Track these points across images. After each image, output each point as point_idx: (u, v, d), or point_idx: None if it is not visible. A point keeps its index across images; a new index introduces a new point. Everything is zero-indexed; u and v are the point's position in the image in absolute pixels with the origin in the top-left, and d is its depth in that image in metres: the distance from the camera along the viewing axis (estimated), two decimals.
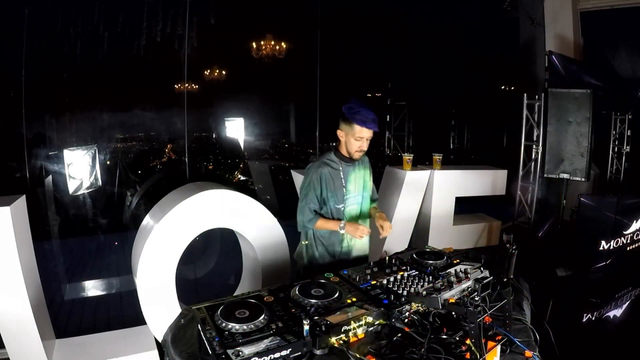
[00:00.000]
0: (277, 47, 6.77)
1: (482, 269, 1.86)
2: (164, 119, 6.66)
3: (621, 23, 5.35)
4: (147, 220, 2.92)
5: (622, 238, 3.74)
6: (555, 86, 4.37)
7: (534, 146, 4.73)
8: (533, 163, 4.73)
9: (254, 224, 2.96)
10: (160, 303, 2.70)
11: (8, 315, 2.30)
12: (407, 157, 3.83)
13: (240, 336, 1.37)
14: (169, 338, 1.54)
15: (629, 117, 5.23)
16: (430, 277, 1.79)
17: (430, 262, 1.94)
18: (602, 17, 5.42)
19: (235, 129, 7.12)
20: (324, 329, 1.40)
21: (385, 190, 3.94)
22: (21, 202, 2.40)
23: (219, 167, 7.62)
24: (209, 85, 7.19)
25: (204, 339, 1.40)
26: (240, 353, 1.28)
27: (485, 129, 8.30)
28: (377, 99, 7.28)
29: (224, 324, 1.43)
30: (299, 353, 1.35)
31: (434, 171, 3.92)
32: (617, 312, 3.94)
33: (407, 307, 1.59)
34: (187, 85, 5.79)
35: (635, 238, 3.83)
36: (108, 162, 5.86)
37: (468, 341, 1.41)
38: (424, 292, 1.64)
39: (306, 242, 2.49)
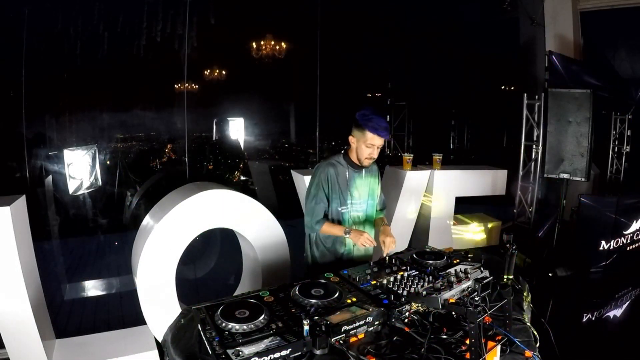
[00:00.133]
0: (277, 47, 6.77)
1: (482, 269, 1.86)
2: (164, 119, 6.66)
3: (621, 23, 5.35)
4: (147, 220, 2.92)
5: (622, 238, 3.74)
6: (555, 86, 4.37)
7: (534, 146, 4.72)
8: (533, 163, 4.73)
9: (254, 224, 2.96)
10: (160, 303, 2.70)
11: (8, 315, 2.30)
12: (407, 157, 3.83)
13: (240, 336, 1.37)
14: (169, 338, 1.54)
15: (629, 117, 5.22)
16: (430, 277, 1.79)
17: (430, 262, 1.94)
18: (602, 17, 5.42)
19: (235, 129, 7.12)
20: (324, 329, 1.40)
21: (385, 190, 3.91)
22: (21, 202, 2.40)
23: (219, 167, 7.61)
24: (209, 85, 7.20)
25: (204, 339, 1.40)
26: (240, 353, 1.28)
27: (485, 129, 8.28)
28: (377, 99, 7.28)
29: (224, 324, 1.43)
30: (299, 353, 1.35)
31: (434, 171, 3.92)
32: (617, 312, 3.94)
33: (407, 307, 1.59)
34: (187, 85, 5.79)
35: (635, 238, 3.83)
36: (108, 162, 5.86)
37: (468, 341, 1.41)
38: (424, 292, 1.64)
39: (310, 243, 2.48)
